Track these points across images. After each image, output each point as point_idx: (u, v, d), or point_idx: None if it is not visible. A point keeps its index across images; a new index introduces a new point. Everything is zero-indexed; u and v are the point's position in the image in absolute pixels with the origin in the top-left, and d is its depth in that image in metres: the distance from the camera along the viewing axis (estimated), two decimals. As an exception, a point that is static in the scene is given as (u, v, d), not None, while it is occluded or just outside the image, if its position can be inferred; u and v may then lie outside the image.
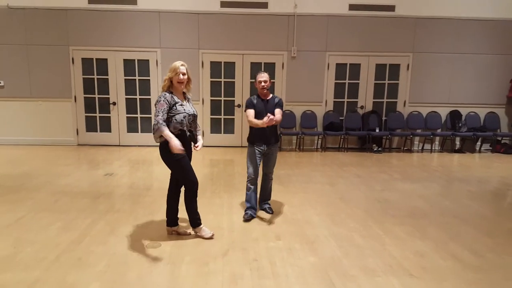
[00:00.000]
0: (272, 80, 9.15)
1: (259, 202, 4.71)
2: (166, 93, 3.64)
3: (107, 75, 9.05)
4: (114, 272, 3.14)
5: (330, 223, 4.38)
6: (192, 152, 3.88)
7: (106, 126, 9.27)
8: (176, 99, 3.62)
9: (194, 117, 3.78)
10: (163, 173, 4.36)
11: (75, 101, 9.07)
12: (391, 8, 9.03)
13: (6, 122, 9.02)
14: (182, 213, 3.91)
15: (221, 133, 9.43)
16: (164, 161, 3.72)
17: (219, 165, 7.36)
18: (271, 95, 4.50)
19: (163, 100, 3.56)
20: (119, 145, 9.27)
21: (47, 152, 8.24)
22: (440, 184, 6.27)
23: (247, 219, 4.43)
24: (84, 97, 9.10)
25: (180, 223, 4.06)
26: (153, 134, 3.58)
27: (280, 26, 8.98)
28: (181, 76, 3.61)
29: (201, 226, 3.92)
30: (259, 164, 4.50)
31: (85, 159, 7.71)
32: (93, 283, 2.96)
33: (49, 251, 3.50)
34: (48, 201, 4.97)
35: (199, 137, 3.89)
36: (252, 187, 4.53)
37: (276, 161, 4.57)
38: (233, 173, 6.63)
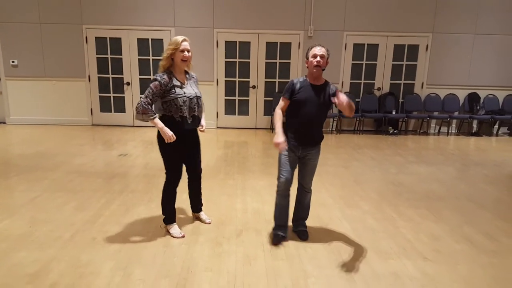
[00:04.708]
0: (292, 61, 9.23)
1: (292, 220, 3.66)
2: (165, 73, 3.17)
3: (121, 55, 9.02)
4: (128, 252, 3.17)
5: (344, 206, 4.35)
6: (200, 138, 3.60)
7: (120, 107, 9.28)
8: (175, 82, 3.18)
9: (197, 99, 3.33)
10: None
11: (89, 81, 9.08)
12: (411, -14, 8.79)
13: (20, 102, 9.08)
14: (205, 197, 3.91)
15: (235, 114, 9.37)
16: (158, 144, 3.32)
17: (233, 146, 7.34)
18: (324, 81, 3.33)
19: (159, 83, 3.10)
20: (133, 126, 9.29)
21: (61, 132, 8.31)
22: (456, 167, 6.17)
23: (276, 243, 3.39)
24: (98, 77, 9.09)
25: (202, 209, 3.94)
26: (136, 114, 3.16)
27: (297, 4, 8.78)
28: (185, 53, 3.16)
29: (172, 224, 3.54)
30: (293, 170, 3.32)
31: (100, 139, 7.76)
32: (108, 262, 2.99)
33: (64, 231, 3.54)
34: (63, 180, 5.02)
35: (202, 119, 3.51)
36: (281, 200, 3.40)
37: (315, 169, 3.41)
38: (247, 155, 6.61)
